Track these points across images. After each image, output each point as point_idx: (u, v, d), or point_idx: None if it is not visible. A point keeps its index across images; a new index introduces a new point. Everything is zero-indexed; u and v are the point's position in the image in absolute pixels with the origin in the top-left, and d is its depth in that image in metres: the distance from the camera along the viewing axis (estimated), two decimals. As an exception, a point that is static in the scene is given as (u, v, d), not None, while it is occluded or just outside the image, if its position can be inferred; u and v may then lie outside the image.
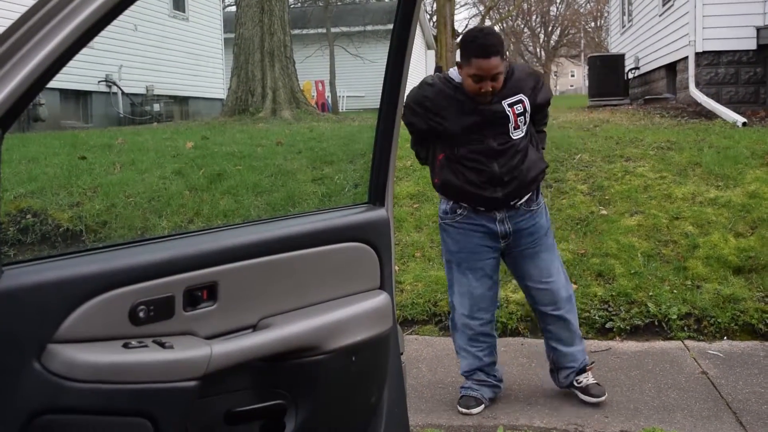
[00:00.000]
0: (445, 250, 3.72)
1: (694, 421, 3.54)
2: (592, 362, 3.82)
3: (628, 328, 4.72)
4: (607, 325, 4.74)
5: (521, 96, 3.47)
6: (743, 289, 4.91)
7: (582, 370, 3.74)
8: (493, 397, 3.78)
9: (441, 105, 3.47)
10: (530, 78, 3.56)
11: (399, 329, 2.02)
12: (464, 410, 3.66)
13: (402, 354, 2.02)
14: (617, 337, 4.68)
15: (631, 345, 4.59)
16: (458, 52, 3.54)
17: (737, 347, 4.50)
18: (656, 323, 4.73)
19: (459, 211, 3.57)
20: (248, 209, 6.40)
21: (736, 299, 4.80)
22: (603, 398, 3.70)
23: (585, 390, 3.72)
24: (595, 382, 3.75)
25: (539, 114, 3.64)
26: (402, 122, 3.50)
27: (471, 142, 3.46)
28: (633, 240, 5.55)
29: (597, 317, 4.78)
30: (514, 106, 3.44)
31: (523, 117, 3.47)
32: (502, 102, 3.43)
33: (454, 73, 3.52)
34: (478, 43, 3.31)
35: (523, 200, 3.54)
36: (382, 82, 1.95)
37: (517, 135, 3.47)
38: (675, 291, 4.96)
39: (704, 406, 3.69)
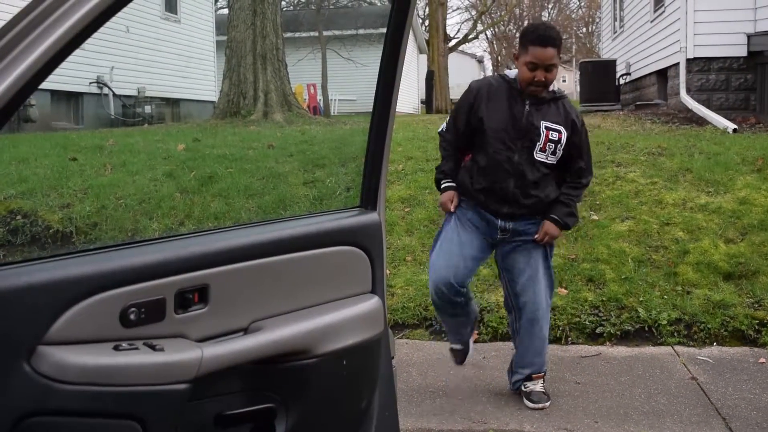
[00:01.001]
0: (443, 226, 3.76)
1: (683, 426, 3.55)
2: (544, 372, 3.83)
3: (618, 333, 4.73)
4: (598, 330, 4.75)
5: (562, 128, 3.54)
6: (733, 295, 4.93)
7: (529, 378, 3.78)
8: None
9: (486, 95, 3.58)
10: (578, 119, 3.63)
11: (390, 333, 2.01)
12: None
13: (393, 358, 2.02)
14: (607, 342, 4.69)
15: (621, 350, 4.60)
16: (518, 43, 3.66)
17: (727, 353, 4.51)
18: (646, 329, 4.74)
19: (464, 199, 3.66)
20: (239, 212, 6.38)
21: (726, 305, 4.82)
22: (542, 405, 3.72)
23: (528, 395, 3.77)
24: (541, 390, 3.78)
25: (573, 160, 3.64)
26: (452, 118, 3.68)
27: (497, 148, 3.51)
28: (624, 245, 5.56)
29: (587, 322, 4.79)
30: (550, 131, 3.52)
31: (553, 145, 3.52)
32: (542, 120, 3.52)
33: (509, 72, 3.65)
34: (538, 33, 3.47)
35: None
36: (375, 86, 1.94)
37: (540, 157, 3.52)
38: (665, 297, 4.97)
39: (694, 412, 3.70)
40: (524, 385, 3.80)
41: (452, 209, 3.66)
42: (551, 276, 3.75)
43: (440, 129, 3.81)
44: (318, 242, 1.80)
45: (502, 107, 3.54)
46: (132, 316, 1.45)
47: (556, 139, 3.52)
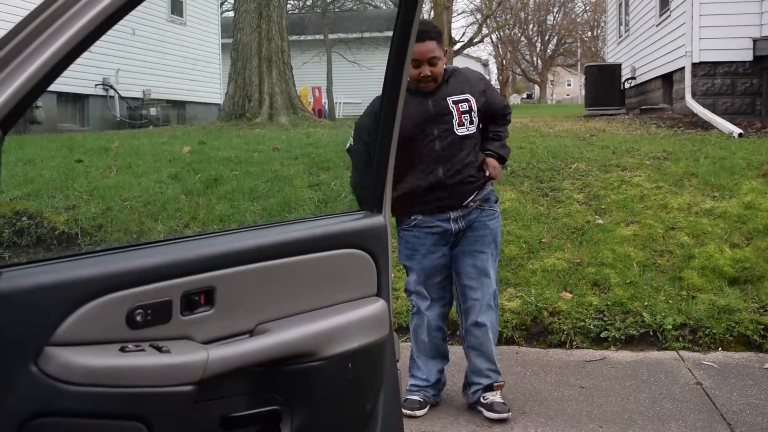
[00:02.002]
0: (402, 257, 3.78)
1: (688, 431, 3.54)
2: (502, 382, 3.78)
3: (623, 337, 4.72)
4: (602, 335, 4.74)
5: (467, 96, 3.60)
6: (738, 300, 4.92)
7: (490, 388, 3.74)
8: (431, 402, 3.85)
9: None
10: (480, 82, 3.70)
11: (395, 336, 2.01)
12: (407, 411, 3.69)
13: (398, 361, 2.02)
14: (612, 347, 4.68)
15: (625, 355, 4.59)
16: None
17: (732, 358, 4.50)
18: (651, 333, 4.74)
19: (413, 217, 3.65)
20: (244, 214, 6.39)
21: (731, 310, 4.81)
22: (504, 415, 3.65)
23: (489, 407, 3.71)
24: (501, 401, 3.73)
25: (496, 116, 3.75)
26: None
27: (417, 145, 3.55)
28: (629, 250, 5.55)
29: (592, 326, 4.78)
30: (459, 104, 3.57)
31: (468, 115, 3.57)
32: (447, 98, 3.58)
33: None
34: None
35: (475, 199, 3.64)
36: (381, 89, 1.95)
37: (461, 131, 3.57)
38: (670, 301, 4.96)
39: (698, 417, 3.69)
40: (483, 397, 3.73)
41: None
42: (496, 281, 3.77)
43: (347, 147, 3.67)
44: (324, 245, 1.80)
45: (410, 107, 3.45)
46: (138, 318, 1.45)
47: (467, 108, 3.58)
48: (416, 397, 3.78)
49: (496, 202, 3.77)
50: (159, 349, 1.44)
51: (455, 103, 3.57)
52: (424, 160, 3.57)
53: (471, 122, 3.59)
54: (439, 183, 3.57)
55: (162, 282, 1.49)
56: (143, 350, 1.43)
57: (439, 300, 3.76)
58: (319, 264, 1.79)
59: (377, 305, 1.87)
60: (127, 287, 1.44)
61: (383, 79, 1.95)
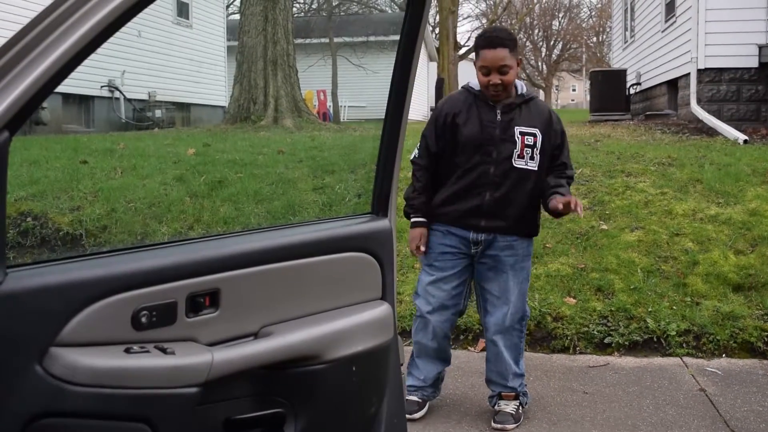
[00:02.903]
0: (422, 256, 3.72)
1: (691, 438, 3.53)
2: (512, 390, 3.70)
3: (626, 343, 4.71)
4: (606, 340, 4.73)
5: (536, 130, 3.50)
6: (742, 307, 4.91)
7: (500, 396, 3.71)
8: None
9: (456, 108, 3.52)
10: (556, 124, 3.59)
11: (399, 340, 2.01)
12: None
13: (402, 365, 2.02)
14: (616, 353, 4.67)
15: (629, 361, 4.58)
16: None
17: (736, 365, 4.49)
18: (655, 339, 4.73)
19: (435, 228, 3.61)
20: (249, 217, 6.40)
21: (736, 317, 4.80)
22: (502, 426, 3.61)
23: (494, 414, 3.69)
24: (510, 411, 3.67)
25: (554, 158, 3.60)
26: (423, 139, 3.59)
27: (473, 161, 3.47)
28: (633, 255, 5.55)
29: (596, 332, 4.77)
30: (525, 136, 3.47)
31: (531, 150, 3.47)
32: (515, 128, 3.47)
33: (473, 82, 3.59)
34: (486, 36, 3.47)
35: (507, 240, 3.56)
36: (388, 93, 1.95)
37: (519, 164, 3.47)
38: (674, 307, 4.95)
39: (702, 424, 3.68)
40: (496, 404, 3.73)
41: (422, 250, 3.59)
42: (523, 301, 3.66)
43: (412, 156, 3.66)
44: (329, 248, 1.81)
45: (473, 119, 3.48)
46: (144, 319, 1.46)
47: (532, 143, 3.47)
48: (414, 398, 3.74)
49: (529, 245, 3.66)
50: (164, 351, 1.45)
51: (522, 134, 3.46)
52: (475, 179, 3.48)
53: (532, 158, 3.48)
54: (480, 208, 3.49)
55: (167, 284, 1.50)
56: (148, 352, 1.43)
57: (450, 308, 3.64)
58: (324, 267, 1.79)
59: (382, 309, 1.87)
60: (133, 289, 1.45)
61: (390, 82, 1.96)
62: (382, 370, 1.88)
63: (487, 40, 3.41)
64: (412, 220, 3.62)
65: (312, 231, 1.86)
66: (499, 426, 3.63)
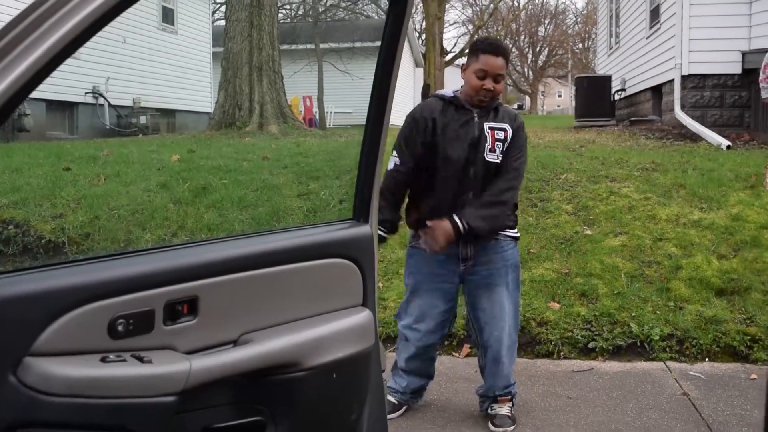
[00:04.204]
0: (406, 275, 3.70)
1: (675, 442, 3.54)
2: (508, 394, 3.72)
3: (610, 348, 4.72)
4: (590, 345, 4.74)
5: (506, 125, 3.50)
6: (725, 311, 4.93)
7: (495, 400, 3.72)
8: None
9: (432, 119, 3.49)
10: (520, 125, 3.58)
11: (381, 346, 2.01)
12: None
13: (383, 371, 2.01)
14: (599, 357, 4.68)
15: (613, 365, 4.59)
16: (468, 54, 3.62)
17: (719, 369, 4.51)
18: (639, 344, 4.74)
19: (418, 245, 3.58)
20: (233, 223, 6.37)
21: (718, 321, 4.82)
22: (503, 429, 3.62)
23: (492, 418, 3.69)
24: (506, 414, 3.69)
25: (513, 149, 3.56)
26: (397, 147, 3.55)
27: (455, 167, 3.45)
28: (617, 260, 5.56)
29: (580, 337, 4.78)
30: (495, 131, 3.47)
31: (501, 144, 3.47)
32: (485, 123, 3.48)
33: (444, 91, 3.60)
34: (490, 42, 3.49)
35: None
36: (369, 98, 1.95)
37: (491, 158, 3.46)
38: (658, 312, 4.97)
39: (685, 428, 3.69)
40: (491, 407, 3.72)
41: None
42: (517, 312, 3.68)
43: (390, 167, 3.54)
44: (309, 254, 1.80)
45: (455, 125, 3.47)
46: (120, 328, 1.44)
47: (503, 137, 3.47)
48: (392, 399, 3.76)
49: (514, 228, 3.63)
50: (140, 360, 1.43)
51: (491, 129, 3.47)
52: (458, 183, 3.46)
53: (502, 151, 3.48)
54: (463, 207, 3.45)
55: (144, 291, 1.49)
56: (124, 360, 1.42)
57: (435, 332, 3.63)
58: (304, 273, 1.78)
59: (362, 315, 1.86)
60: (109, 297, 1.43)
61: (371, 87, 1.95)
62: (363, 377, 1.87)
63: (491, 46, 3.44)
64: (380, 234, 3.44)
65: (292, 237, 1.85)
66: (500, 429, 3.63)
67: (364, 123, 1.96)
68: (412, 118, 3.57)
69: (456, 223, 3.37)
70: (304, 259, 1.78)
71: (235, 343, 1.65)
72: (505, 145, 3.48)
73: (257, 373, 1.63)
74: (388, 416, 3.55)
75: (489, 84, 3.41)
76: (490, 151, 3.46)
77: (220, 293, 1.61)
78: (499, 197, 3.45)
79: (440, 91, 3.62)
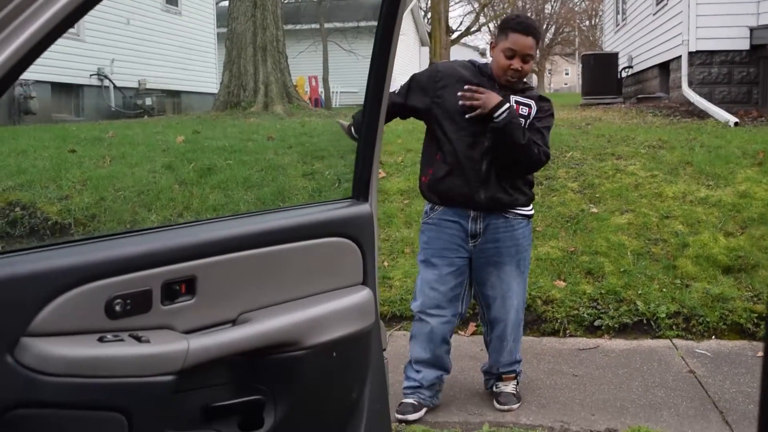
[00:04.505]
0: (421, 250, 3.66)
1: (680, 419, 3.54)
2: (512, 372, 3.72)
3: (616, 326, 4.71)
4: (596, 323, 4.74)
5: (532, 102, 3.46)
6: (732, 289, 4.91)
7: (500, 378, 3.71)
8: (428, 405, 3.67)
9: (451, 79, 3.45)
10: (548, 110, 3.53)
11: (382, 325, 2.00)
12: (399, 416, 3.52)
13: (384, 350, 2.00)
14: (606, 335, 4.67)
15: (619, 343, 4.58)
16: (497, 31, 3.55)
17: (725, 346, 4.50)
18: (645, 322, 4.73)
19: (436, 208, 3.55)
20: (238, 204, 6.37)
21: (725, 298, 4.81)
22: (508, 407, 3.62)
23: (497, 396, 3.69)
24: (511, 392, 3.68)
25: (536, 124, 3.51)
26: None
27: (465, 132, 3.39)
28: (623, 238, 5.54)
29: (586, 315, 4.77)
30: (521, 106, 3.43)
31: (524, 120, 3.41)
32: (511, 96, 3.42)
33: (478, 59, 3.55)
34: (520, 20, 3.42)
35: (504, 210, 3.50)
36: (367, 75, 1.93)
37: None
38: (664, 290, 4.95)
39: (691, 405, 3.69)
40: (495, 386, 3.72)
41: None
42: (524, 291, 3.66)
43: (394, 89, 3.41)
44: (308, 233, 1.79)
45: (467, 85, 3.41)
46: (118, 308, 1.44)
47: (526, 113, 3.42)
48: (410, 400, 3.60)
49: (528, 207, 3.59)
50: (138, 339, 1.43)
51: (517, 103, 3.42)
52: (475, 148, 3.40)
53: (526, 127, 3.41)
54: (478, 179, 3.41)
55: (142, 271, 1.48)
56: (122, 340, 1.42)
57: (448, 309, 3.56)
58: (303, 252, 1.77)
59: (362, 294, 1.86)
60: (106, 277, 1.43)
61: (369, 66, 1.93)
62: (363, 356, 1.87)
63: (522, 25, 3.37)
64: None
65: (291, 216, 1.84)
66: (505, 407, 3.63)
67: (363, 102, 1.94)
68: (433, 67, 3.54)
69: (504, 102, 3.31)
70: (303, 238, 1.77)
71: (234, 322, 1.64)
72: (527, 122, 3.43)
73: (256, 353, 1.63)
74: (407, 416, 3.52)
75: (517, 64, 3.36)
76: None
77: (218, 273, 1.61)
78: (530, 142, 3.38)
79: (473, 60, 3.57)
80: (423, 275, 3.61)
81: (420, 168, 3.65)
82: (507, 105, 3.33)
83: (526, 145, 3.35)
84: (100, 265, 1.43)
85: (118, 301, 1.44)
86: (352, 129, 3.33)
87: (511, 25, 3.39)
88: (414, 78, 3.55)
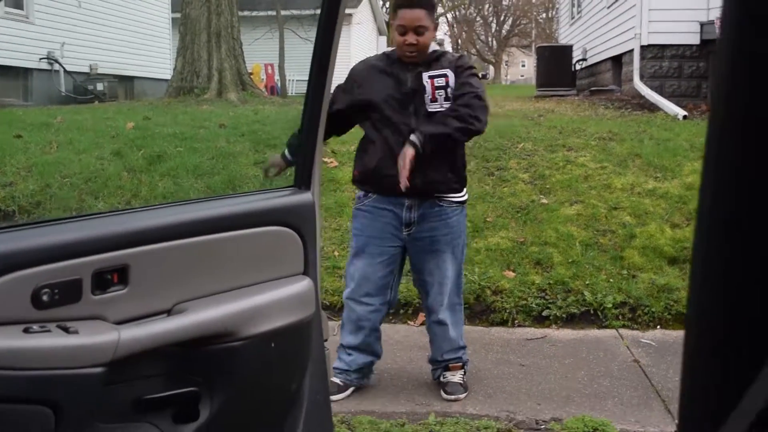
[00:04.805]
0: (353, 236, 3.65)
1: (624, 408, 3.58)
2: (458, 361, 3.73)
3: (564, 316, 4.76)
4: (544, 313, 4.78)
5: (446, 71, 3.41)
6: (677, 279, 4.99)
7: (447, 368, 3.73)
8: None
9: (368, 76, 3.48)
10: (467, 67, 3.48)
11: (323, 315, 1.98)
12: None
13: (326, 340, 1.99)
14: (553, 325, 4.72)
15: (566, 333, 4.63)
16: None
17: (669, 336, 4.57)
18: (592, 312, 4.79)
19: (370, 195, 3.54)
20: (188, 192, 6.29)
21: (670, 289, 4.88)
22: (455, 397, 3.64)
23: (444, 386, 3.70)
24: (458, 381, 3.70)
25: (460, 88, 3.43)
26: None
27: (389, 120, 3.39)
28: (572, 229, 5.60)
29: (534, 305, 4.81)
30: (435, 79, 3.39)
31: (443, 91, 3.38)
32: (423, 74, 3.40)
33: (390, 48, 3.56)
34: None
35: (439, 195, 3.49)
36: (309, 64, 1.91)
37: (433, 107, 3.37)
38: (611, 280, 5.02)
39: (635, 394, 3.74)
40: (443, 375, 3.73)
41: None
42: (460, 276, 3.68)
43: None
44: (247, 222, 1.76)
45: (385, 78, 3.43)
46: (45, 297, 1.40)
47: (443, 84, 3.38)
48: (336, 380, 3.66)
49: (461, 192, 3.56)
50: (66, 330, 1.39)
51: (431, 77, 3.38)
52: (401, 135, 3.35)
53: (447, 98, 3.37)
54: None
55: (71, 260, 1.44)
56: (49, 331, 1.38)
57: (377, 297, 3.59)
58: (242, 241, 1.75)
59: (303, 284, 1.84)
60: (33, 265, 1.39)
61: (311, 55, 1.91)
62: (303, 346, 1.85)
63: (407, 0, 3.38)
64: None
65: (229, 204, 1.82)
66: (452, 397, 3.64)
67: (305, 91, 1.92)
68: (351, 73, 3.56)
69: (411, 140, 3.27)
70: (242, 226, 1.75)
71: (169, 312, 1.61)
72: (448, 91, 3.39)
73: (192, 343, 1.60)
74: (333, 397, 3.49)
75: (411, 38, 3.34)
76: (432, 100, 3.38)
77: (152, 262, 1.58)
78: (445, 114, 3.35)
79: (389, 49, 3.58)
80: (354, 262, 3.61)
81: (354, 164, 3.65)
82: (413, 138, 3.27)
83: (458, 129, 3.32)
84: (27, 253, 1.39)
85: (46, 290, 1.40)
86: (287, 152, 3.32)
87: (397, 2, 3.41)
88: (337, 87, 3.52)
